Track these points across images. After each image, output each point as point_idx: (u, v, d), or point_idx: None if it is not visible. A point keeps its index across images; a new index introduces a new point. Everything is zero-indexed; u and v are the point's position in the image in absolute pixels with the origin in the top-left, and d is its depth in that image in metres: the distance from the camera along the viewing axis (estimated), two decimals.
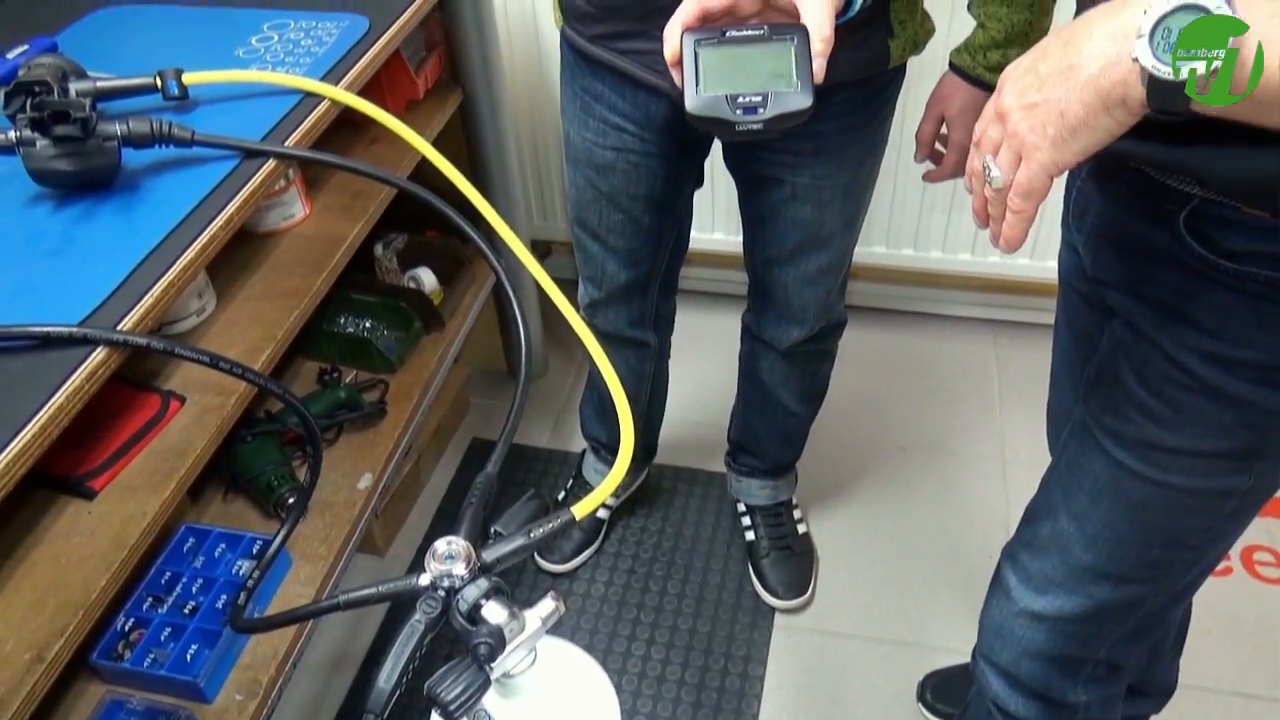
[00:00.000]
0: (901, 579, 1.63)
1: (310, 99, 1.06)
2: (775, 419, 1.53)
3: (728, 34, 0.74)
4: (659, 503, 1.76)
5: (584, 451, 1.72)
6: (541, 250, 2.13)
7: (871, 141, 1.19)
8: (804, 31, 0.72)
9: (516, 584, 1.64)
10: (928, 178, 1.25)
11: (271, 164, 0.98)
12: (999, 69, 1.09)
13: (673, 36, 0.74)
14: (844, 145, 1.16)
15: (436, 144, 1.53)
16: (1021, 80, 0.59)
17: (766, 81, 0.73)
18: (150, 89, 1.00)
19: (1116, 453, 0.82)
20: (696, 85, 0.73)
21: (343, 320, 1.56)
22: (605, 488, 0.74)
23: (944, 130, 1.20)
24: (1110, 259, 0.83)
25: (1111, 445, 0.83)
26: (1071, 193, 0.89)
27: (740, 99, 0.72)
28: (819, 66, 0.72)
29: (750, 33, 0.74)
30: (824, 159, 1.16)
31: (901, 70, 1.16)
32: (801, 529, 1.64)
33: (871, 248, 1.87)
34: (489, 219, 1.01)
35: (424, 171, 1.49)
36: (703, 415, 1.91)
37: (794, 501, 1.66)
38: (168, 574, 1.18)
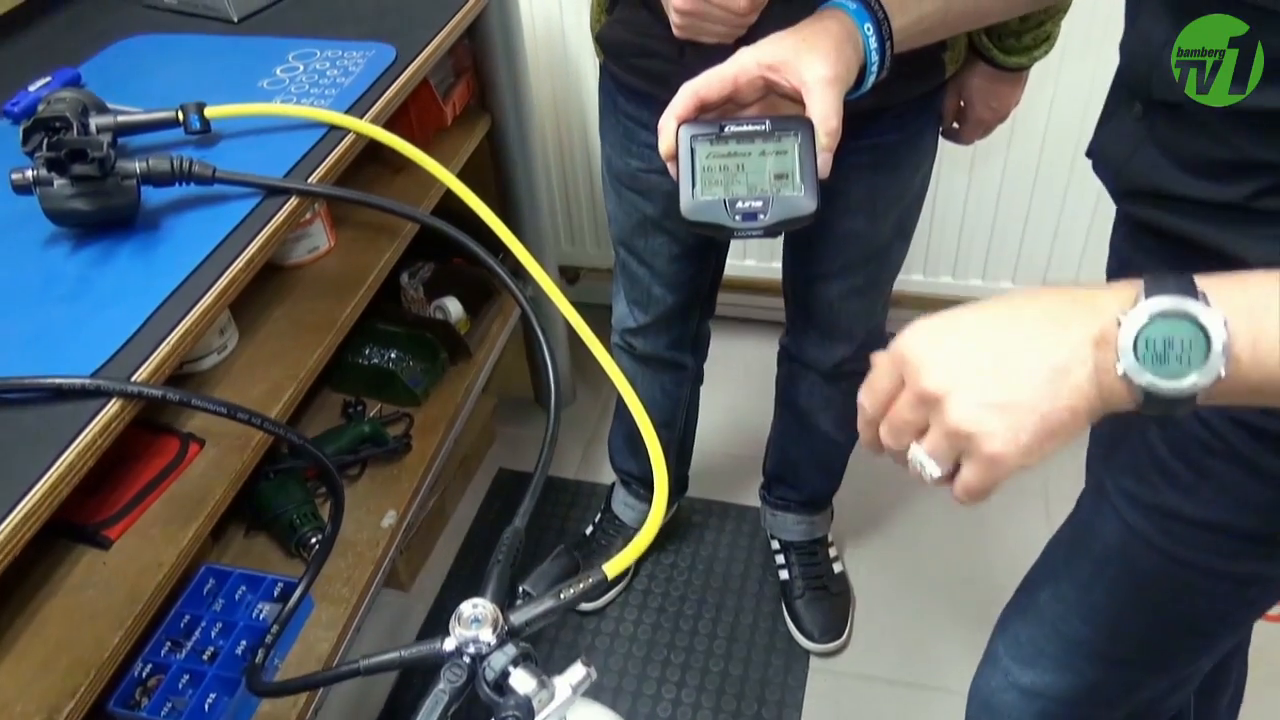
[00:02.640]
0: (941, 621, 1.57)
1: (336, 131, 1.03)
2: (815, 447, 1.48)
3: (726, 129, 0.70)
4: (690, 538, 1.71)
5: (613, 484, 1.68)
6: (570, 275, 2.10)
7: (927, 147, 1.16)
8: (808, 125, 0.68)
9: None
10: (945, 135, 1.22)
11: (294, 201, 0.95)
12: (1013, 52, 1.07)
13: (668, 130, 0.70)
14: (901, 155, 1.13)
15: (464, 170, 1.52)
16: (964, 364, 0.51)
17: (768, 183, 0.69)
18: (172, 123, 0.98)
19: (1131, 517, 0.76)
20: (693, 187, 0.69)
21: (368, 351, 1.53)
22: (639, 544, 0.70)
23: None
24: None
25: (1127, 508, 0.77)
26: (1114, 245, 0.84)
27: (740, 204, 0.68)
28: (824, 162, 0.68)
29: (751, 128, 0.69)
30: (881, 171, 1.12)
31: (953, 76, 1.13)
32: (837, 567, 1.59)
33: (909, 275, 1.82)
34: (515, 251, 0.98)
35: (452, 199, 1.47)
36: (735, 446, 1.86)
37: (829, 538, 1.61)
38: (187, 617, 1.15)
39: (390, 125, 1.14)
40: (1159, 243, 0.74)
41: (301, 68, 1.14)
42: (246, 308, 1.18)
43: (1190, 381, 0.46)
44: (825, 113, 0.67)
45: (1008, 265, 1.78)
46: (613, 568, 0.68)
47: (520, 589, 0.64)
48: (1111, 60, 0.74)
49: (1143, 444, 0.76)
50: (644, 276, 1.31)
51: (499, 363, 1.69)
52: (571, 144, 1.85)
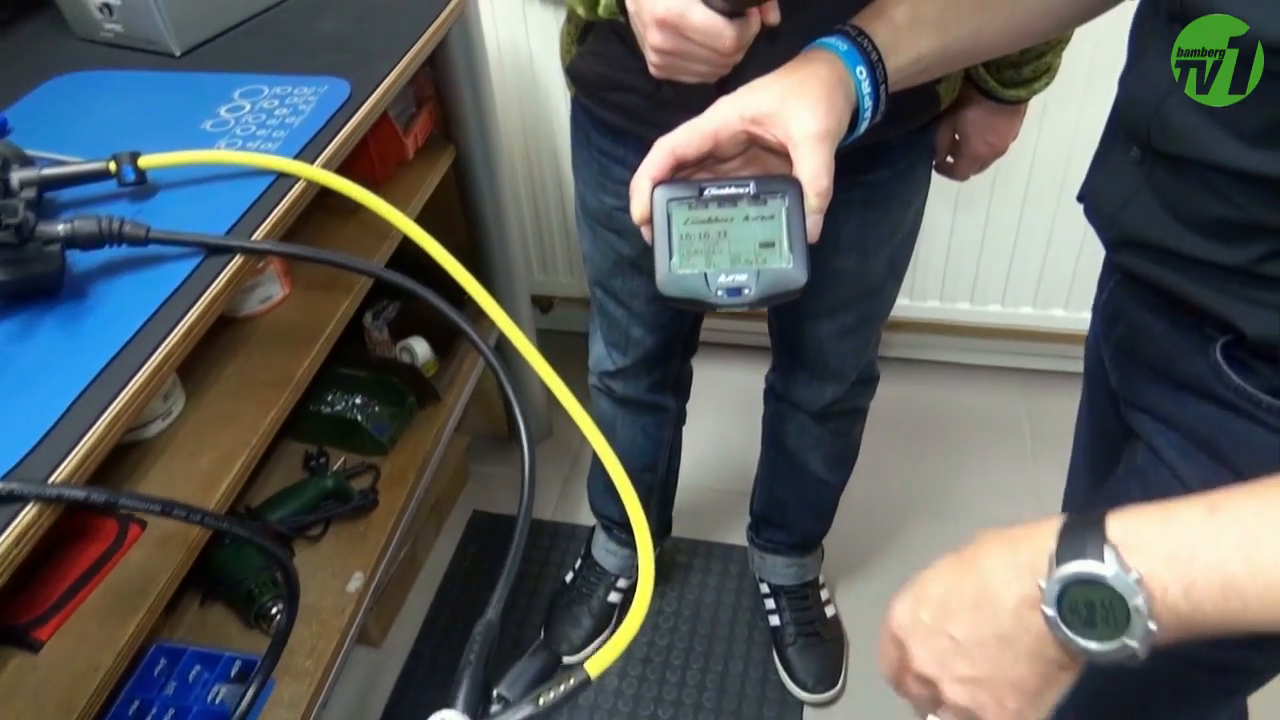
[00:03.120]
0: None
1: (285, 179, 0.95)
2: (804, 488, 1.41)
3: (706, 192, 0.63)
4: (675, 581, 1.63)
5: (594, 528, 1.60)
6: (544, 304, 2.02)
7: (920, 182, 1.10)
8: (796, 186, 0.61)
9: None
10: (941, 171, 1.16)
11: (239, 260, 0.86)
12: (1012, 84, 1.01)
13: (641, 192, 0.63)
14: (893, 192, 1.06)
15: (430, 202, 1.44)
16: (936, 646, 0.52)
17: (753, 254, 0.62)
18: (104, 175, 0.89)
19: None
20: (670, 258, 0.62)
21: (330, 398, 1.44)
22: (622, 638, 0.63)
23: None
24: (1137, 379, 0.72)
25: None
26: (1104, 291, 0.78)
27: (723, 277, 0.61)
28: (814, 225, 0.61)
29: (733, 190, 0.63)
30: (873, 208, 1.06)
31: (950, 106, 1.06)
32: (830, 611, 1.52)
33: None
34: (479, 300, 0.91)
35: (420, 225, 1.39)
36: (720, 481, 1.79)
37: (821, 580, 1.54)
38: (137, 702, 1.06)
39: (348, 161, 1.06)
40: (1155, 299, 0.68)
41: (248, 107, 1.06)
42: (194, 366, 1.09)
43: (1121, 643, 0.45)
44: (815, 172, 0.60)
45: (996, 289, 1.73)
46: (595, 665, 0.62)
47: (495, 693, 0.58)
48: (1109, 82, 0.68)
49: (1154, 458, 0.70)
50: (622, 318, 1.23)
51: (472, 399, 1.62)
52: (542, 171, 1.77)
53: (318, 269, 1.24)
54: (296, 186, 0.94)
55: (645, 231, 0.64)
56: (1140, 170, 0.64)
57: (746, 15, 0.71)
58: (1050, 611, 0.46)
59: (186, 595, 1.25)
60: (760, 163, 0.66)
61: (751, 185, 0.62)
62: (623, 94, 1.00)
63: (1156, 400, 0.70)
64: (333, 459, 1.41)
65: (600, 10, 0.91)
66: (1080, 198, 0.74)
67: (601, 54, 0.99)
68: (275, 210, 0.92)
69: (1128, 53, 0.70)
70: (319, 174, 0.94)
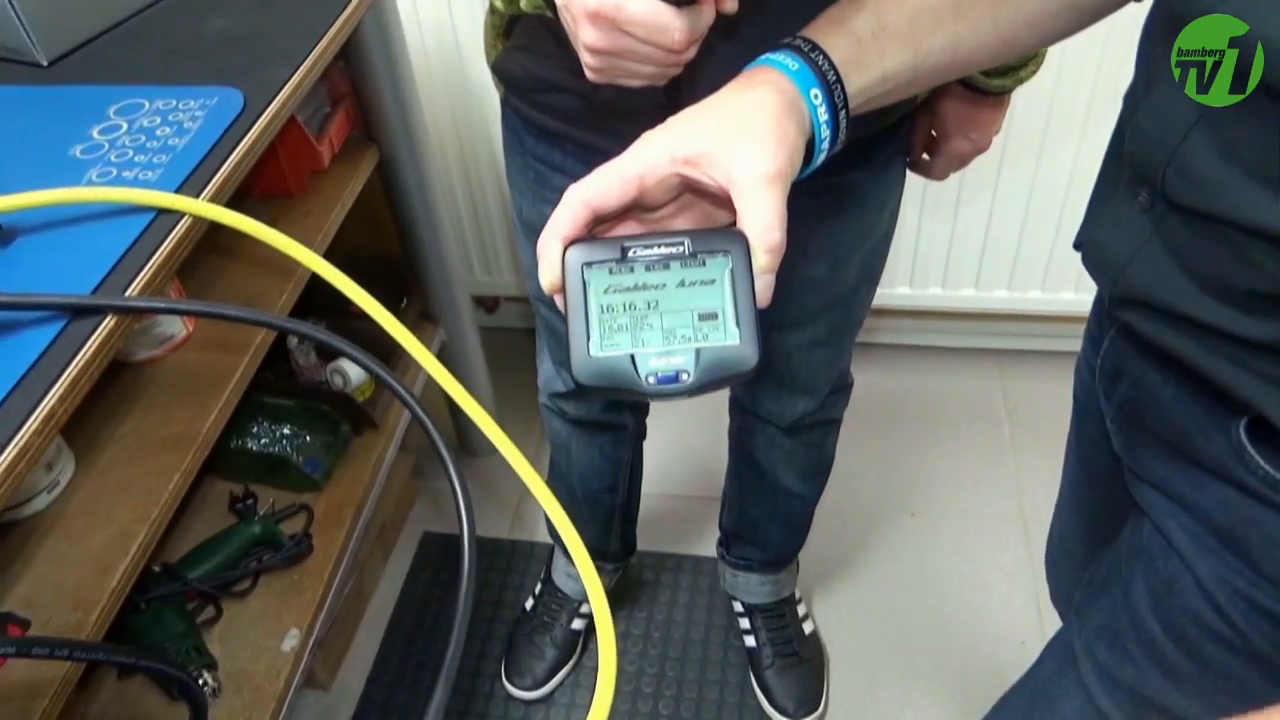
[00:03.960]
0: (924, 675, 1.43)
1: (167, 215, 0.82)
2: (777, 503, 1.32)
3: (631, 253, 0.51)
4: (642, 600, 1.54)
5: (552, 550, 1.50)
6: (488, 304, 1.90)
7: (893, 183, 0.99)
8: (741, 242, 0.50)
9: (484, 715, 1.41)
10: (916, 170, 1.05)
11: (111, 322, 0.74)
12: (997, 74, 0.90)
13: (551, 255, 0.51)
14: (864, 195, 0.95)
15: (357, 207, 1.31)
16: None
17: (691, 329, 0.50)
18: None
19: (1101, 698, 0.62)
20: (588, 338, 0.50)
21: (255, 430, 1.31)
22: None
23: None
24: (1144, 449, 0.62)
25: (1097, 684, 0.63)
26: (1102, 340, 0.68)
27: (654, 360, 0.50)
28: (764, 288, 0.50)
29: (664, 250, 0.51)
30: (842, 213, 0.95)
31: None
32: (808, 628, 1.43)
33: (895, 289, 1.66)
34: (396, 336, 0.81)
35: (345, 239, 1.26)
36: (685, 488, 1.69)
37: (797, 595, 1.46)
38: None
39: (255, 174, 0.93)
40: (1164, 360, 0.58)
41: (125, 126, 0.92)
42: (83, 424, 0.96)
43: None
44: (764, 223, 0.49)
45: (969, 273, 1.63)
46: None
47: None
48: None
49: (1126, 607, 0.62)
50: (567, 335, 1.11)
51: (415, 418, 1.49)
52: (479, 168, 1.63)
53: (226, 299, 1.11)
54: (182, 224, 0.81)
55: (558, 299, 0.52)
56: (1148, 218, 0.54)
57: (698, 2, 0.59)
58: None
59: (101, 668, 1.12)
60: (697, 211, 0.55)
61: (686, 243, 0.51)
62: (557, 95, 0.87)
63: (1167, 477, 0.60)
64: (262, 499, 1.29)
65: (523, 3, 0.78)
66: (1077, 245, 0.63)
67: (530, 50, 0.86)
68: (156, 255, 0.79)
69: (1135, 72, 0.59)
70: (206, 208, 0.81)
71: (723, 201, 0.51)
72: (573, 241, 0.51)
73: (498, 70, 0.92)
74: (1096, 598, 0.67)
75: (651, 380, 0.50)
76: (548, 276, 0.51)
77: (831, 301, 1.04)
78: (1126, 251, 0.56)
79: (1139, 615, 0.62)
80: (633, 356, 0.50)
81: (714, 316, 0.50)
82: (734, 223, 0.50)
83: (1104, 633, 0.64)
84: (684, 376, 0.49)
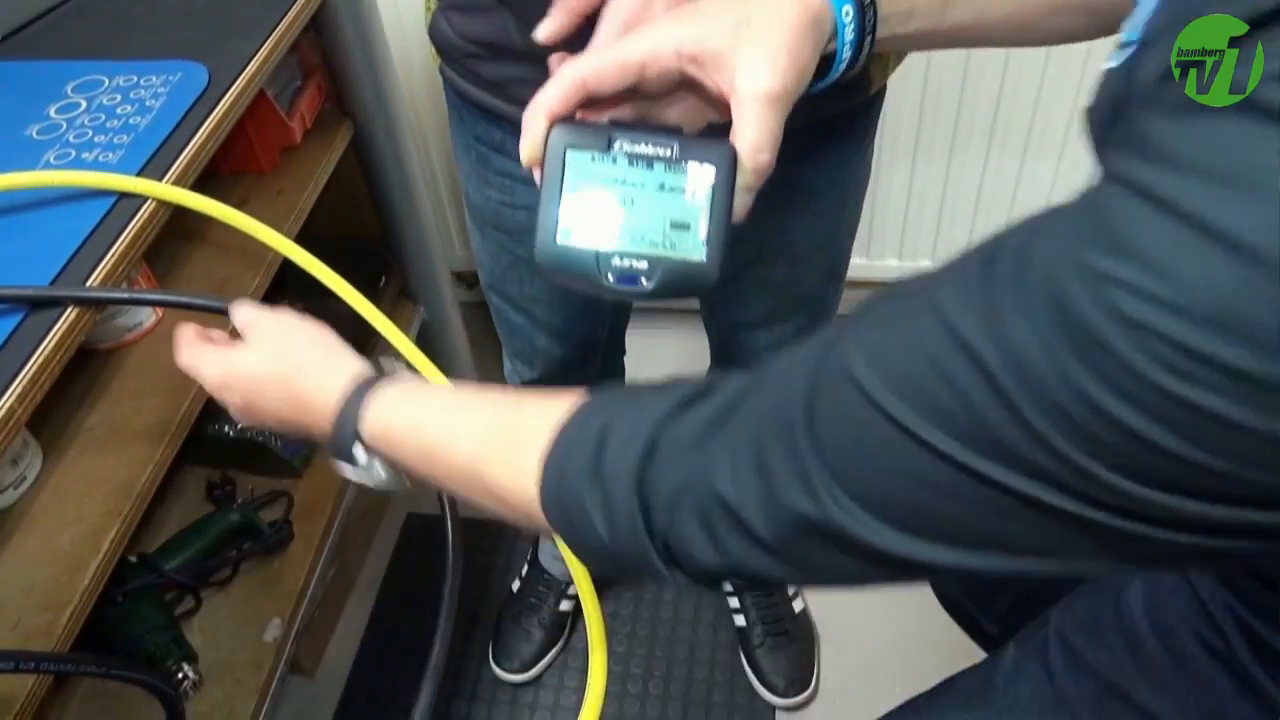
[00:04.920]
0: (915, 650, 1.43)
1: (130, 199, 0.78)
2: None
3: (617, 144, 0.50)
4: (629, 581, 1.52)
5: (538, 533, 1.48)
6: (470, 280, 1.86)
7: (853, 180, 0.95)
8: (730, 156, 0.49)
9: (472, 698, 1.40)
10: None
11: (73, 314, 0.70)
12: None
13: (535, 128, 0.50)
14: (820, 190, 0.91)
15: (332, 182, 1.26)
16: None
17: (661, 235, 0.49)
18: None
19: (1063, 678, 0.64)
20: (556, 223, 0.49)
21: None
22: None
23: None
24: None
25: (1063, 667, 0.65)
26: None
27: (618, 260, 0.49)
28: (742, 205, 0.50)
29: (651, 149, 0.50)
30: (794, 212, 0.91)
31: (882, 91, 0.91)
32: (797, 606, 1.42)
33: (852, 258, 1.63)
34: (370, 320, 0.80)
35: (321, 216, 1.22)
36: None
37: None
38: None
39: (223, 152, 0.89)
40: None
41: (84, 104, 0.88)
42: (50, 416, 0.92)
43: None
44: (757, 142, 0.47)
45: (959, 245, 1.61)
46: None
47: None
48: None
49: (1114, 600, 0.62)
50: (523, 326, 1.08)
51: None
52: None
53: (197, 284, 1.07)
54: (145, 208, 0.78)
55: (535, 173, 0.51)
56: None
57: None
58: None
59: None
60: (691, 105, 0.53)
61: (675, 146, 0.49)
62: (497, 64, 0.82)
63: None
64: (241, 486, 1.26)
65: None
66: None
67: (468, 7, 0.80)
68: (119, 242, 0.75)
69: None
70: (170, 192, 0.78)
71: (720, 106, 0.49)
72: (559, 120, 0.49)
73: (433, 35, 0.87)
74: (1084, 596, 0.67)
75: (611, 278, 0.49)
76: (528, 149, 0.50)
77: (793, 304, 1.01)
78: None
79: (1128, 609, 0.62)
80: (598, 252, 0.49)
81: (685, 227, 0.49)
82: (728, 131, 0.49)
83: (1084, 623, 0.65)
84: (644, 281, 0.49)
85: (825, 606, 1.48)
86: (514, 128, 0.89)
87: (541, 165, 0.50)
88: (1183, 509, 0.29)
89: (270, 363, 0.65)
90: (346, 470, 0.62)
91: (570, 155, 0.50)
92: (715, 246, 0.49)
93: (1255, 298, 0.26)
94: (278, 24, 0.98)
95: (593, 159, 0.50)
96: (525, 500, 0.47)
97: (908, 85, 1.41)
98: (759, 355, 1.08)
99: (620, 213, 0.50)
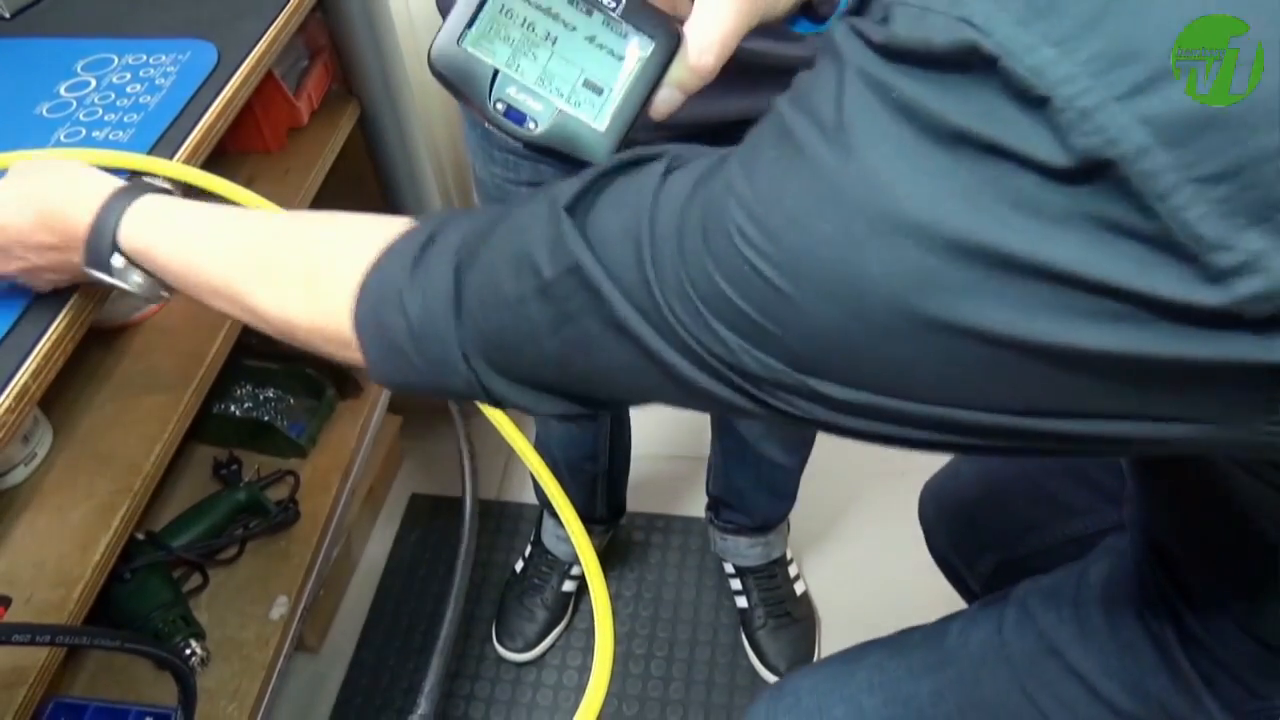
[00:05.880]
0: None
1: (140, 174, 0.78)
2: (760, 474, 1.31)
3: None
4: (632, 561, 1.53)
5: (541, 513, 1.49)
6: None
7: None
8: (674, 39, 0.46)
9: (475, 677, 1.41)
10: None
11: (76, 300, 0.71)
12: None
13: None
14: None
15: (339, 163, 1.27)
16: None
17: (569, 87, 0.46)
18: None
19: (1009, 631, 0.69)
20: (467, 25, 0.45)
21: (239, 394, 1.29)
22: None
23: None
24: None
25: (1013, 622, 0.70)
26: None
27: (512, 89, 0.46)
28: (664, 101, 0.46)
29: None
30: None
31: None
32: (799, 588, 1.43)
33: None
34: None
35: (327, 198, 1.22)
36: (672, 448, 1.68)
37: (788, 556, 1.45)
38: None
39: (231, 132, 0.90)
40: None
41: (94, 82, 0.88)
42: (61, 394, 0.93)
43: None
44: (707, 36, 0.45)
45: None
46: None
47: None
48: None
49: (1078, 580, 0.68)
50: None
51: None
52: (464, 121, 1.59)
53: None
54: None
55: None
56: None
57: None
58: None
59: None
60: None
61: (622, 4, 0.46)
62: None
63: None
64: (246, 465, 1.26)
65: None
66: None
67: None
68: None
69: None
70: (180, 170, 0.78)
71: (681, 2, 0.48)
72: None
73: (440, 6, 0.87)
74: (1056, 571, 0.71)
75: (499, 107, 0.46)
76: None
77: None
78: None
79: (1087, 584, 0.67)
80: (496, 72, 0.46)
81: (598, 91, 0.46)
82: (679, 22, 0.46)
83: (1045, 590, 0.70)
84: (530, 124, 0.46)
85: (827, 589, 1.49)
86: None
87: None
88: (743, 355, 0.36)
89: (17, 186, 0.63)
90: (100, 277, 0.61)
91: None
92: (618, 122, 0.46)
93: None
94: (286, 3, 0.98)
95: None
96: (296, 316, 0.51)
97: None
98: None
99: (539, 46, 0.46)
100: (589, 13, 0.46)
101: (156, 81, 0.88)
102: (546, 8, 0.45)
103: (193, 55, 0.91)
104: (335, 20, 1.21)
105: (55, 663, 0.76)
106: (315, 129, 1.23)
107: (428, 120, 1.56)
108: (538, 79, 0.46)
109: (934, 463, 1.65)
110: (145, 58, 0.91)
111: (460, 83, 0.46)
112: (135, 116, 0.84)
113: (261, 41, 0.92)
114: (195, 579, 1.15)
